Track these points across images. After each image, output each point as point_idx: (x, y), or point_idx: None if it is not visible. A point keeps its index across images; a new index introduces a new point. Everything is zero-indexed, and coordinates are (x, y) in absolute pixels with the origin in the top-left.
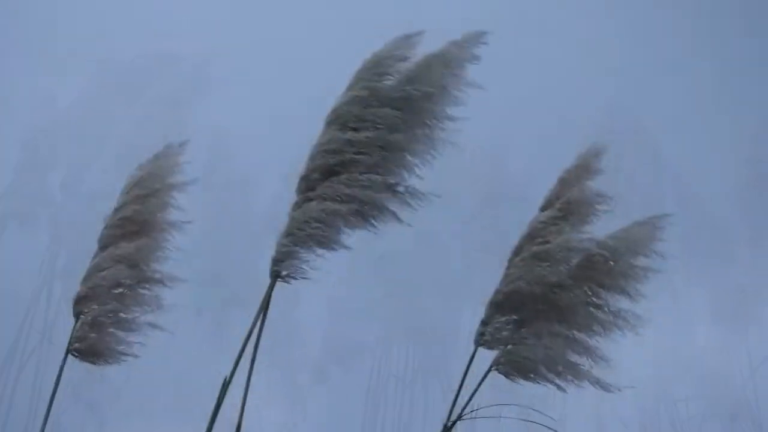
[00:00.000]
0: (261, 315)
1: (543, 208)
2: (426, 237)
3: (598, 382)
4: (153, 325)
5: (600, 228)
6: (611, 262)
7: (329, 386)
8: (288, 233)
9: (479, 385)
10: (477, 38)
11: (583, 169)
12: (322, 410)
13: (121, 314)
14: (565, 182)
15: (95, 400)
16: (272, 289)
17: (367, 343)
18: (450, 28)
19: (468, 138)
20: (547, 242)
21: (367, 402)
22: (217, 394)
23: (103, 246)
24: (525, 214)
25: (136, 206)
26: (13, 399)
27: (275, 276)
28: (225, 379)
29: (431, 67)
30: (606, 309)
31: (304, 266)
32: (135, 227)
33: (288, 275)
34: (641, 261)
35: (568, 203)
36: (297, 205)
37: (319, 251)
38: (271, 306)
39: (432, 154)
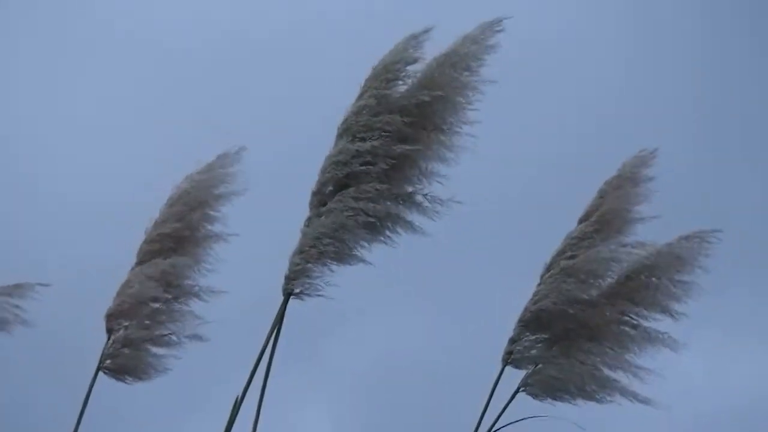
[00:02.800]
0: (274, 333)
1: (580, 221)
2: None
3: (635, 397)
4: (193, 337)
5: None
6: (652, 279)
7: None
8: (300, 250)
9: (506, 406)
10: (492, 27)
11: (626, 179)
12: None
13: (155, 330)
14: (606, 194)
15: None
16: (285, 307)
17: None
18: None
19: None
20: (580, 257)
21: None
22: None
23: (140, 261)
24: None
25: (177, 223)
26: None
27: (288, 293)
28: (237, 398)
29: (442, 67)
30: (641, 328)
31: (317, 283)
32: (173, 244)
33: (301, 292)
34: (684, 277)
35: (605, 215)
36: (309, 221)
37: (334, 267)
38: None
39: (448, 162)
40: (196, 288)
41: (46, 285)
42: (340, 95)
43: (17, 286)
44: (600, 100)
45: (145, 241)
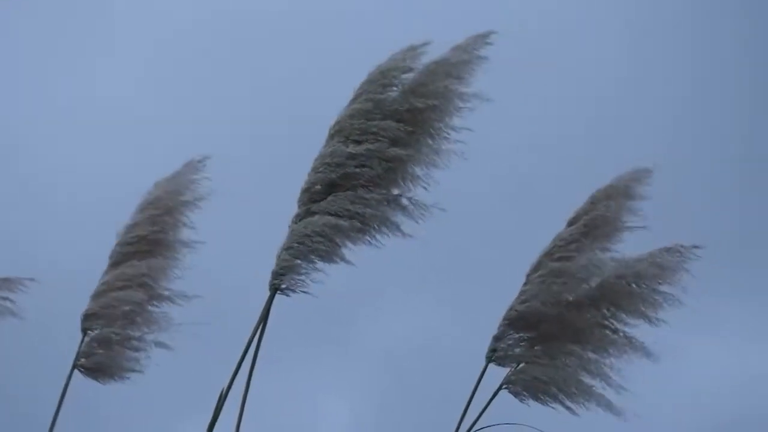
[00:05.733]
0: (260, 327)
1: (569, 224)
2: None
3: (609, 407)
4: (159, 344)
5: (626, 248)
6: (633, 286)
7: None
8: (288, 246)
9: (488, 404)
10: (482, 39)
11: (619, 191)
12: None
13: (129, 332)
14: (596, 200)
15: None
16: (271, 302)
17: None
18: (458, 34)
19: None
20: (567, 259)
21: None
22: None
23: (114, 263)
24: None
25: (150, 226)
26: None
27: (274, 289)
28: (222, 391)
29: (435, 75)
30: (622, 333)
31: (304, 279)
32: (148, 246)
33: (288, 288)
34: (665, 288)
35: (593, 221)
36: (298, 218)
37: (320, 265)
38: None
39: (437, 166)
40: (170, 292)
41: (32, 280)
42: (322, 95)
43: (5, 280)
44: (591, 100)
45: (119, 243)
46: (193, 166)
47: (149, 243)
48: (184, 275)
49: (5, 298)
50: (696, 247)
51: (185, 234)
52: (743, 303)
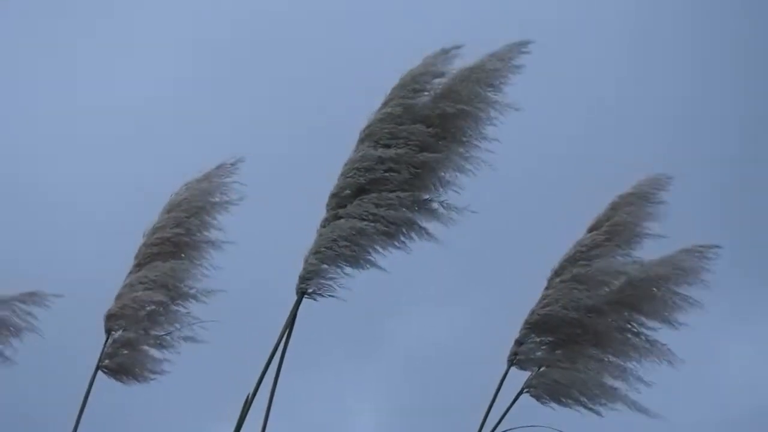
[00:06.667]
0: (286, 332)
1: (590, 230)
2: None
3: (634, 406)
4: (187, 338)
5: (646, 253)
6: (654, 289)
7: None
8: (316, 251)
9: (510, 407)
10: (518, 48)
11: (639, 197)
12: None
13: (152, 332)
14: (617, 206)
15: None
16: (298, 306)
17: None
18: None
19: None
20: (589, 264)
21: None
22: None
23: (138, 264)
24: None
25: (176, 228)
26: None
27: (301, 293)
28: (248, 396)
29: (467, 81)
30: (644, 336)
31: (331, 284)
32: (172, 248)
33: (314, 292)
34: (685, 290)
35: (615, 226)
36: (326, 222)
37: (348, 270)
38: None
39: (465, 173)
40: (194, 291)
41: (60, 296)
42: (350, 99)
43: (32, 294)
44: (603, 105)
45: (145, 245)
46: (224, 169)
47: (173, 244)
48: (210, 275)
49: (29, 313)
50: (716, 246)
51: (213, 235)
52: None
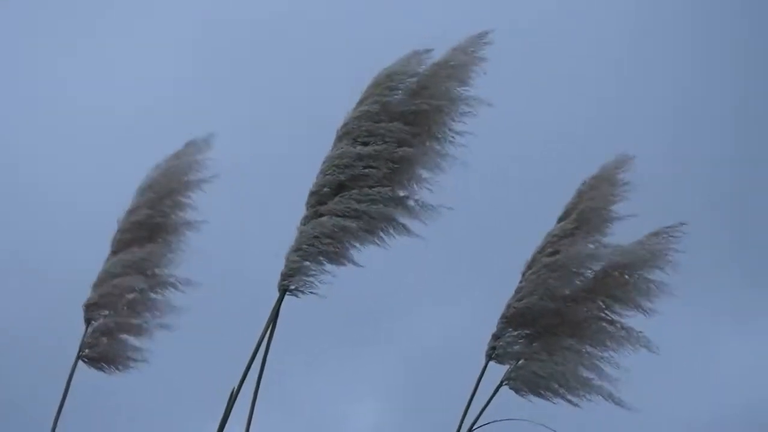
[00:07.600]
0: (269, 327)
1: (560, 220)
2: None
3: (611, 398)
4: (163, 326)
5: (621, 237)
6: (625, 276)
7: None
8: (297, 248)
9: (489, 401)
10: (479, 40)
11: (604, 180)
12: None
13: (132, 320)
14: (583, 193)
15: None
16: (281, 303)
17: None
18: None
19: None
20: (560, 253)
21: None
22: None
23: (115, 250)
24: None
25: (149, 210)
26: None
27: (284, 290)
28: (232, 391)
29: (436, 77)
30: (618, 324)
31: (313, 281)
32: (147, 232)
33: (296, 289)
34: (655, 275)
35: (582, 213)
36: (306, 220)
37: (328, 266)
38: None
39: (442, 170)
40: (173, 279)
41: None
42: (326, 97)
43: None
44: (581, 100)
45: (119, 230)
46: (194, 146)
47: (148, 228)
48: (187, 261)
49: None
50: (682, 224)
51: (188, 216)
52: None
